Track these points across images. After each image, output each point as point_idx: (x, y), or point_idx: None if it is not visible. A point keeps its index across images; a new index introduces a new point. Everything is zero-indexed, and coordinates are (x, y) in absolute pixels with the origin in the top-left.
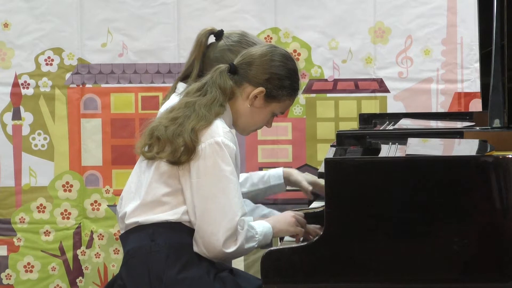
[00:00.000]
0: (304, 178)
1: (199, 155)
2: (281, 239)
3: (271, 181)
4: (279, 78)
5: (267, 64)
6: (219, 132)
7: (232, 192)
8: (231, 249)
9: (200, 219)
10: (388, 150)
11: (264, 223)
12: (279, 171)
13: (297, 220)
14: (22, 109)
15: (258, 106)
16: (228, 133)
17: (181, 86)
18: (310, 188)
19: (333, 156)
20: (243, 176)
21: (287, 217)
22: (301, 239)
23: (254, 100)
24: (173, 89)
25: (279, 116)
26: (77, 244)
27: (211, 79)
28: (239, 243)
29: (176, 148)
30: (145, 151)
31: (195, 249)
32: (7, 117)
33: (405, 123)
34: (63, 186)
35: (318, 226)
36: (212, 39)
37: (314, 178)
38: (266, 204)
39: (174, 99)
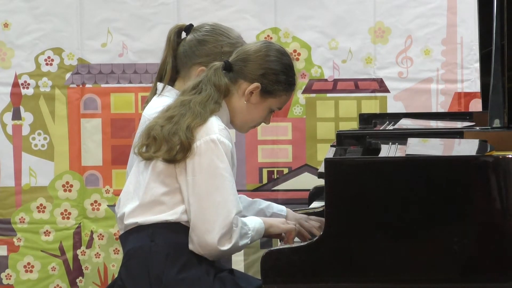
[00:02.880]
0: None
1: (194, 152)
2: (281, 239)
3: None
4: (274, 73)
5: (262, 59)
6: (214, 130)
7: (227, 190)
8: (225, 246)
9: (195, 217)
10: (388, 150)
11: (255, 219)
12: (283, 208)
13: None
14: (22, 109)
15: (254, 102)
16: (224, 130)
17: (160, 86)
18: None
19: (333, 156)
20: (248, 200)
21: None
22: (293, 240)
23: (250, 96)
24: (154, 91)
25: (279, 116)
26: (77, 244)
27: (206, 77)
28: (233, 240)
29: (172, 146)
30: (143, 152)
31: (190, 246)
32: (7, 117)
33: (405, 123)
34: (63, 186)
35: (321, 219)
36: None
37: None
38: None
39: (156, 101)
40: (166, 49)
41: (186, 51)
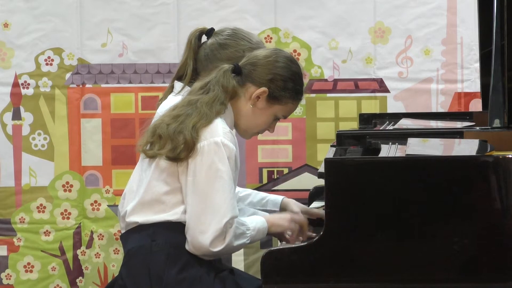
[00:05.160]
0: (300, 209)
1: (197, 153)
2: (282, 239)
3: (268, 206)
4: (282, 80)
5: (271, 65)
6: (219, 132)
7: (225, 193)
8: (218, 248)
9: (190, 217)
10: (388, 150)
11: (258, 218)
12: (278, 198)
13: (293, 218)
14: (22, 109)
15: (260, 107)
16: (228, 133)
17: (179, 86)
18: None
19: (333, 156)
20: (245, 191)
21: (283, 214)
22: (296, 239)
23: (256, 101)
24: (170, 89)
25: None
26: (77, 244)
27: (214, 78)
28: (227, 241)
29: (176, 145)
30: (147, 150)
31: (186, 246)
32: (7, 117)
33: (405, 123)
34: (63, 186)
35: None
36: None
37: (306, 207)
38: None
39: (172, 99)
40: (186, 51)
41: (208, 54)
